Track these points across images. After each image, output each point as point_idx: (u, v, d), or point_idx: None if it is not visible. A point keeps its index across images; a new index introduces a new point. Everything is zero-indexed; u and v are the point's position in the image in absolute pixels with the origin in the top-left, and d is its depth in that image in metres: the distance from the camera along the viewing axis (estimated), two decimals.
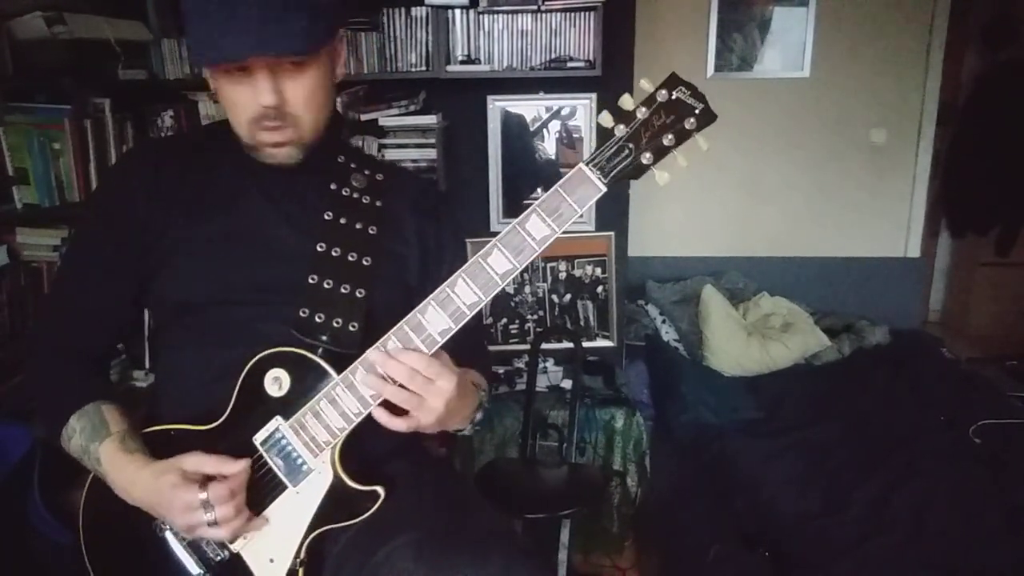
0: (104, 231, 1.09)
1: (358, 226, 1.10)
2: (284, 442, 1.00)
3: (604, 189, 0.90)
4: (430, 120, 2.44)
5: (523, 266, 0.92)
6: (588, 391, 2.54)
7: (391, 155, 2.46)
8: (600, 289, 2.80)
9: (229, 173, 1.09)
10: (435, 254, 1.15)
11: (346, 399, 0.97)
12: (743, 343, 2.95)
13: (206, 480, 0.95)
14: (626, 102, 0.89)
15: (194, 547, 1.04)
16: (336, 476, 1.00)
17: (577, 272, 2.78)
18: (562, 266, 2.77)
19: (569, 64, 2.40)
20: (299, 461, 1.00)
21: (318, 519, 1.01)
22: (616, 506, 2.48)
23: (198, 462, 0.96)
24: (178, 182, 1.07)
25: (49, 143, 2.01)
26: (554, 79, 2.47)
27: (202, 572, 1.04)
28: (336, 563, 1.06)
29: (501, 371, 2.65)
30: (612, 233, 2.74)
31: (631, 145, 0.89)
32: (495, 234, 0.92)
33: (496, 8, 2.39)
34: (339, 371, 0.98)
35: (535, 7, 2.39)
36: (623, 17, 2.51)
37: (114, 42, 2.20)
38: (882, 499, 2.02)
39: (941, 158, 3.79)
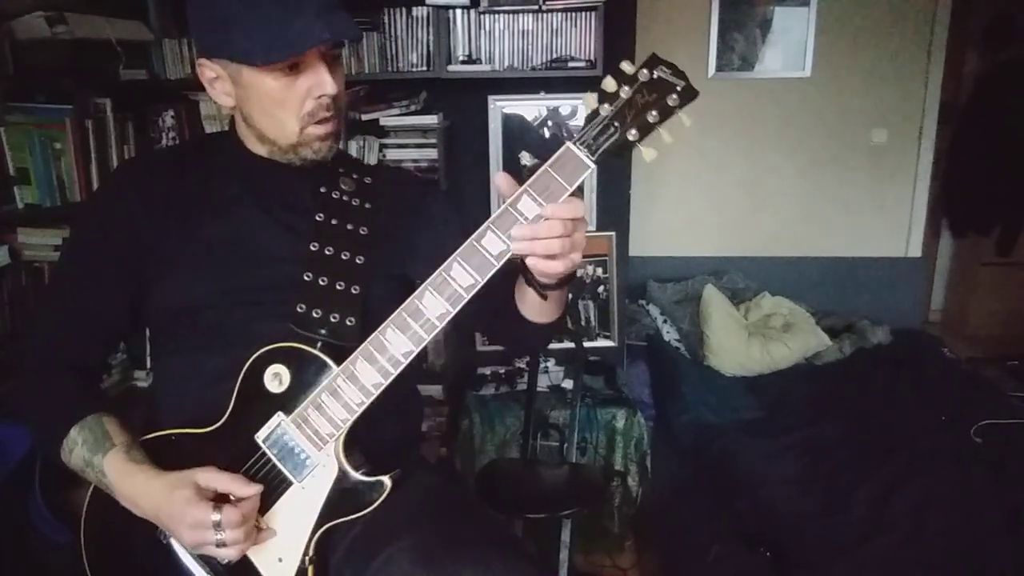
0: (97, 243, 1.08)
1: (349, 227, 1.11)
2: (287, 438, 1.00)
3: (592, 166, 0.90)
4: (431, 120, 2.44)
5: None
6: (589, 391, 2.54)
7: (392, 155, 2.46)
8: (601, 289, 2.80)
9: (219, 181, 1.10)
10: (436, 241, 1.14)
11: (348, 390, 0.97)
12: (744, 343, 2.95)
13: (218, 497, 0.95)
14: (609, 84, 0.90)
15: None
16: (341, 468, 0.99)
17: (578, 272, 2.77)
18: None
19: (570, 64, 2.40)
20: (303, 455, 1.00)
21: (325, 513, 1.01)
22: (617, 506, 2.49)
23: (210, 478, 0.96)
24: (169, 192, 1.08)
25: (50, 143, 2.01)
26: (555, 79, 2.47)
27: None
28: (337, 568, 1.05)
29: (502, 371, 2.66)
30: (613, 233, 2.74)
31: (616, 123, 0.90)
32: None
33: (497, 8, 2.40)
34: (338, 364, 0.98)
35: (536, 7, 2.39)
36: (624, 17, 2.51)
37: (115, 42, 2.20)
38: (883, 499, 2.01)
39: (942, 158, 3.78)
